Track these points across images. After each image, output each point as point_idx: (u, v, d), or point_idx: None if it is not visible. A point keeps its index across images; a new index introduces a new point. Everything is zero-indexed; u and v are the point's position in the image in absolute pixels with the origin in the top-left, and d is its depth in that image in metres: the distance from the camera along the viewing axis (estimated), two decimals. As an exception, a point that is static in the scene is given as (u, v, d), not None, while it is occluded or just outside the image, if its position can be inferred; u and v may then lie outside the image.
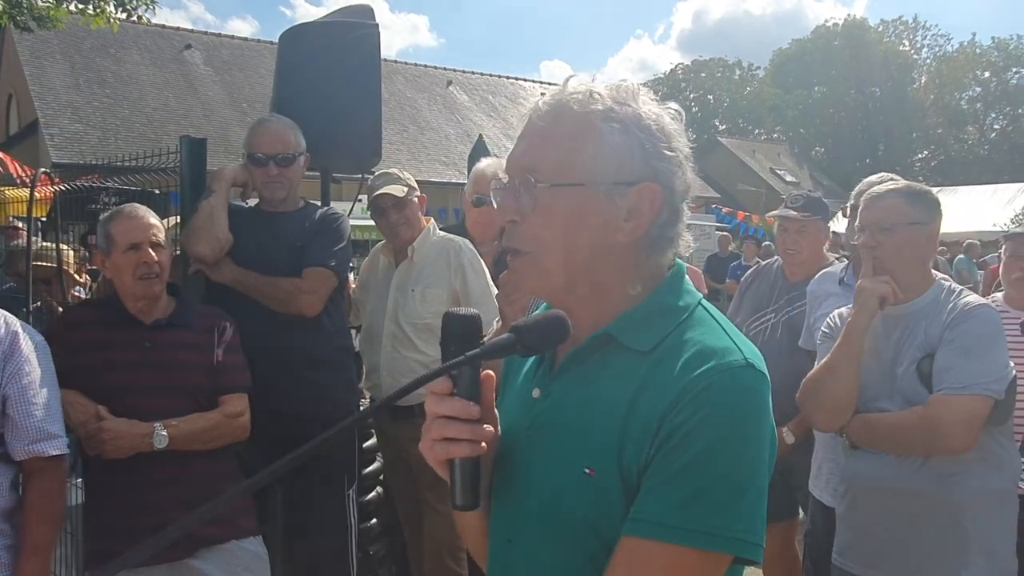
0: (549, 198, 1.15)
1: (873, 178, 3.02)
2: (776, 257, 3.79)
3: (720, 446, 1.03)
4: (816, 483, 3.01)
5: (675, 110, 1.20)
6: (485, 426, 1.13)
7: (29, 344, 2.29)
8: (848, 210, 3.08)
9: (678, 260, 1.24)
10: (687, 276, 1.23)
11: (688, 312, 1.17)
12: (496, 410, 1.21)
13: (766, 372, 1.10)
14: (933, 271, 2.48)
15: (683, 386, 1.05)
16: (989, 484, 2.28)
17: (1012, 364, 2.26)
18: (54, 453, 2.26)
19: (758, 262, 4.98)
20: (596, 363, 1.17)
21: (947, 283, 2.39)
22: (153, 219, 2.67)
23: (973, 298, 2.34)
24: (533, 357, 1.29)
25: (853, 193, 3.08)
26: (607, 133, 1.14)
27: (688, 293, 1.20)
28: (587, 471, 1.10)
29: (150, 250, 2.59)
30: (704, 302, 1.21)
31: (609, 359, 1.15)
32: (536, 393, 1.23)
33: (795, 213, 3.52)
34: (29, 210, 4.04)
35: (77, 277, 4.68)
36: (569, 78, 1.19)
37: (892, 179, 2.75)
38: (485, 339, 1.15)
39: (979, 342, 2.22)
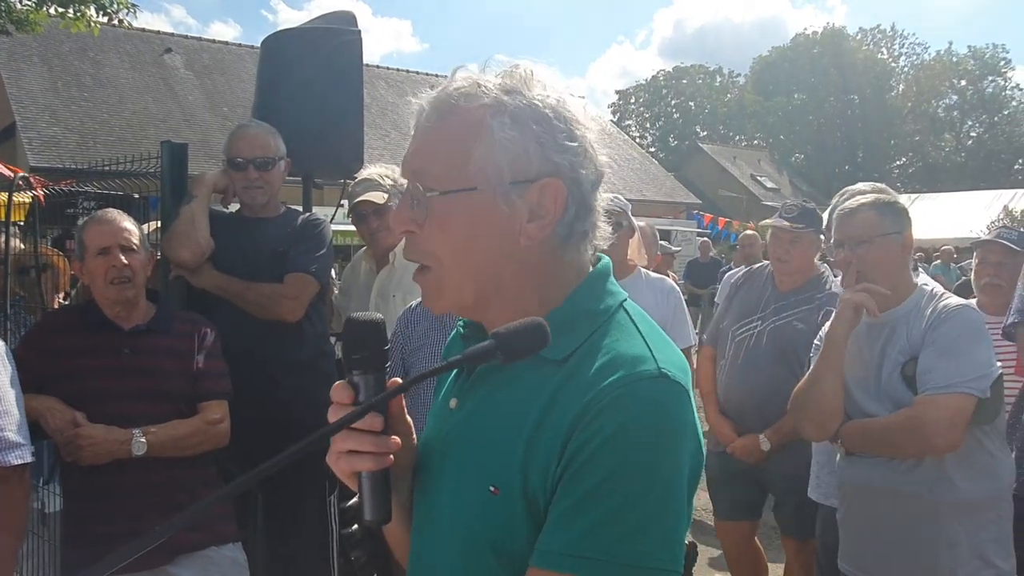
0: (442, 206, 1.05)
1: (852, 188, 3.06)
2: (768, 263, 3.76)
3: (628, 467, 0.95)
4: (817, 492, 3.05)
5: (580, 97, 1.10)
6: (392, 437, 1.05)
7: None
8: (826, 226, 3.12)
9: (602, 256, 1.15)
10: (612, 275, 1.15)
11: (607, 316, 1.08)
12: (409, 418, 1.15)
13: (682, 381, 1.01)
14: (924, 275, 2.52)
15: (588, 400, 0.97)
16: (982, 487, 2.31)
17: (998, 364, 2.29)
18: (16, 463, 2.12)
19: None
20: (509, 373, 1.07)
21: (929, 287, 2.43)
22: (126, 223, 2.63)
23: (953, 300, 2.37)
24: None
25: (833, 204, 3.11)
26: (497, 129, 1.03)
27: (609, 295, 1.11)
28: (492, 489, 1.02)
29: (120, 254, 2.55)
30: (627, 304, 1.12)
31: (523, 369, 1.05)
32: (453, 403, 1.15)
33: (788, 224, 3.48)
34: (7, 214, 3.99)
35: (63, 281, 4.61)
36: (456, 69, 1.09)
37: (860, 192, 2.78)
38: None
39: (958, 342, 2.26)
